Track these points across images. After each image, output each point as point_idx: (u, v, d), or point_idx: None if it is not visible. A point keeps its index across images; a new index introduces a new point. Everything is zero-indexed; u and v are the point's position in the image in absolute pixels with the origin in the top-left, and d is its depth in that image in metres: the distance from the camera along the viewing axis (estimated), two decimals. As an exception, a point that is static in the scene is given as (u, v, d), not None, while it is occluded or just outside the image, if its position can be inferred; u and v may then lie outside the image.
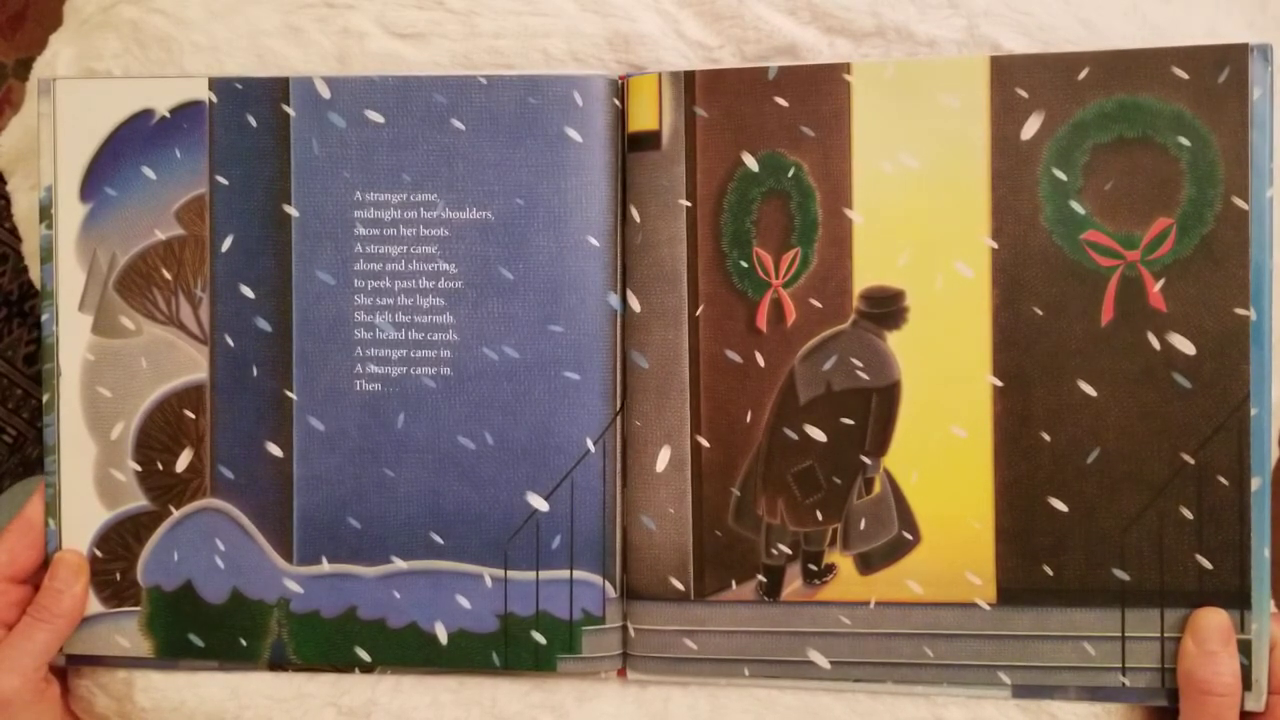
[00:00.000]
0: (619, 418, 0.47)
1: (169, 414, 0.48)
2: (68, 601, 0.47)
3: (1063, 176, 0.44)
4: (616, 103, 0.46)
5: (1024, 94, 0.44)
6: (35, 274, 0.50)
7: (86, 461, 0.48)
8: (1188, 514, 0.44)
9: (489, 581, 0.47)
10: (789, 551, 0.46)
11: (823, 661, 0.46)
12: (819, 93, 0.45)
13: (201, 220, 0.47)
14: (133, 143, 0.47)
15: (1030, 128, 0.44)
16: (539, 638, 0.46)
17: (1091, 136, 0.44)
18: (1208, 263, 0.43)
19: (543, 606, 0.46)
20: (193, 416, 0.48)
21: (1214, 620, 0.43)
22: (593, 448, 0.46)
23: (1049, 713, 0.45)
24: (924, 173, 0.45)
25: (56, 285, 0.48)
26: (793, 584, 0.46)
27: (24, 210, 0.52)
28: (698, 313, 0.46)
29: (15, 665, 0.45)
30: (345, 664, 0.48)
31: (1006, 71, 0.44)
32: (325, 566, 0.47)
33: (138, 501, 0.48)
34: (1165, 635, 0.44)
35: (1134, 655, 0.44)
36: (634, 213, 0.46)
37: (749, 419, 0.46)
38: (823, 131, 0.45)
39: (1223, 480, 0.43)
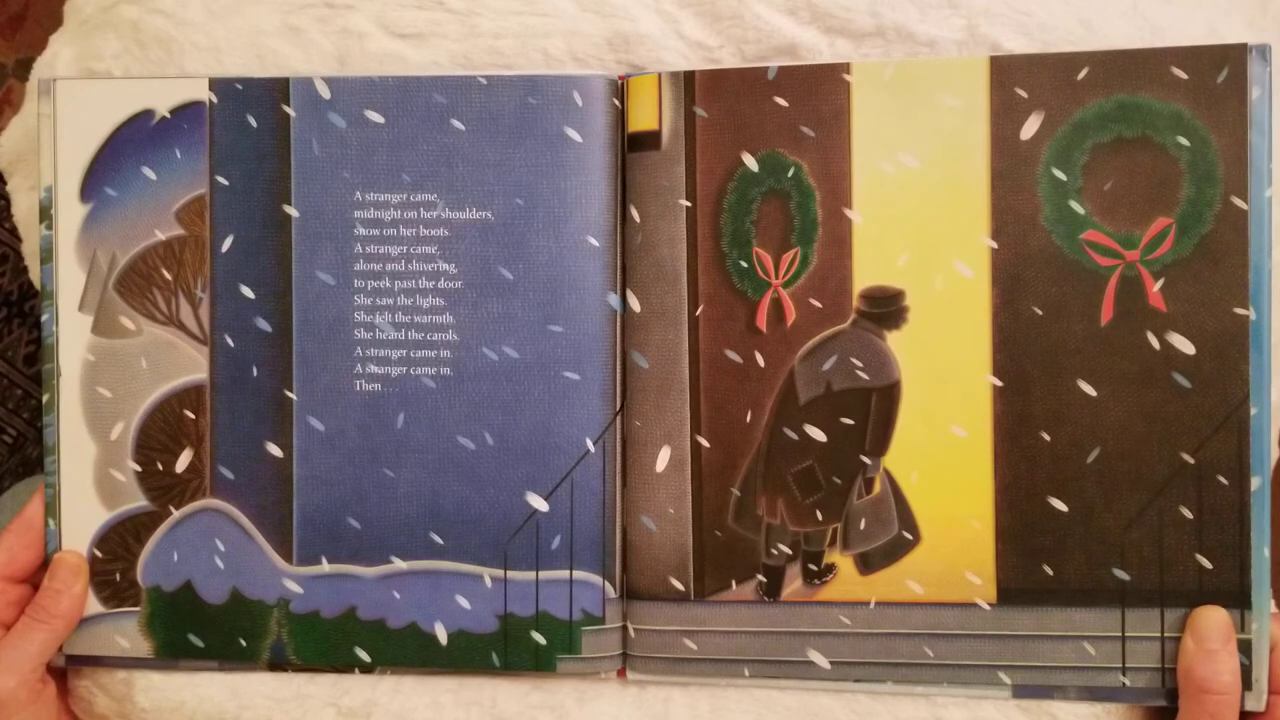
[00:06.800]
0: (619, 418, 0.46)
1: (169, 414, 0.48)
2: (66, 602, 0.47)
3: (1062, 176, 0.44)
4: (616, 103, 0.46)
5: (1024, 94, 0.44)
6: (35, 274, 0.50)
7: (86, 462, 0.48)
8: (1188, 514, 0.44)
9: (489, 582, 0.47)
10: (789, 551, 0.46)
11: (823, 661, 0.46)
12: (819, 93, 0.45)
13: (201, 220, 0.47)
14: (133, 143, 0.47)
15: (1030, 128, 0.44)
16: (539, 638, 0.46)
17: (1091, 136, 0.44)
18: (1207, 262, 0.43)
19: (542, 607, 0.46)
20: (193, 417, 0.47)
21: (1214, 618, 0.43)
22: (593, 448, 0.46)
23: (1049, 713, 0.45)
24: (924, 173, 0.45)
25: (56, 285, 0.48)
26: (793, 584, 0.46)
27: (24, 210, 0.52)
28: (698, 313, 0.46)
29: (12, 666, 0.45)
30: (345, 664, 0.48)
31: (1006, 71, 0.44)
32: (325, 567, 0.47)
33: (138, 502, 0.48)
34: (1165, 635, 0.44)
35: (1134, 655, 0.44)
36: (634, 213, 0.46)
37: (749, 419, 0.46)
38: (822, 131, 0.45)
39: (1222, 480, 0.43)
